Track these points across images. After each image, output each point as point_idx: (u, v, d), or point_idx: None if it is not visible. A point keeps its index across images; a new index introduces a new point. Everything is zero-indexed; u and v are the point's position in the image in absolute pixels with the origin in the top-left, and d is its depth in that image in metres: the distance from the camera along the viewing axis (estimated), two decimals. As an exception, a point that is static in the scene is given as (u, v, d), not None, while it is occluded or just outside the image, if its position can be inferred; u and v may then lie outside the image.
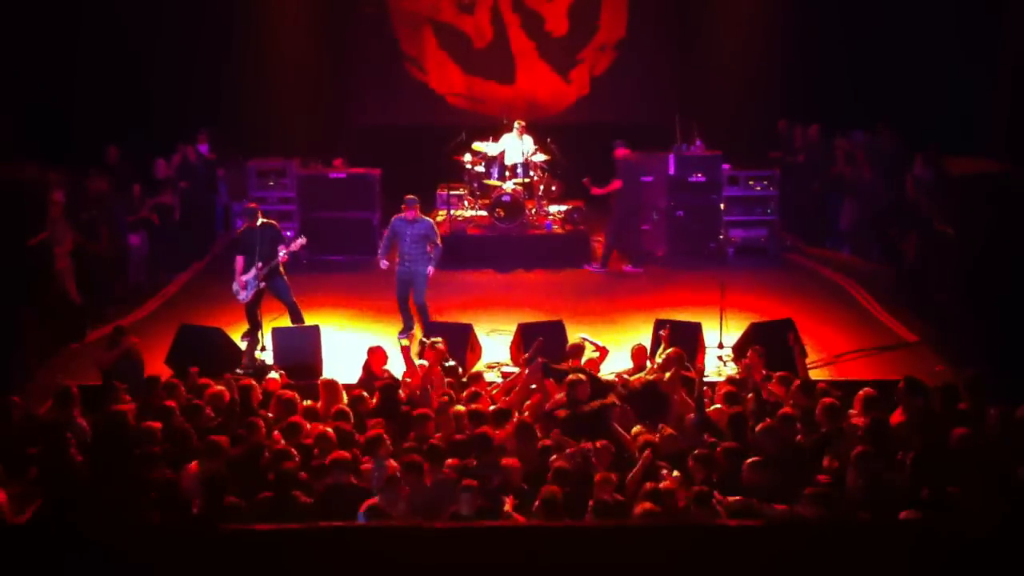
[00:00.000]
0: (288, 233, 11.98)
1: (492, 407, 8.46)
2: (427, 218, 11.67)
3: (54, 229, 11.67)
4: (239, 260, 11.09)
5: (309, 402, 8.64)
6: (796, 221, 15.53)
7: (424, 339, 9.98)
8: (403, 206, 11.46)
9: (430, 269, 11.46)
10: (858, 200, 14.78)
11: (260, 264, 10.97)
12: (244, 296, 11.10)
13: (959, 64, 14.13)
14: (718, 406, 8.35)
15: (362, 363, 9.66)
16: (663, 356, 9.24)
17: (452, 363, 9.67)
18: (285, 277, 11.25)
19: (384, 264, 11.70)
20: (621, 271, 14.06)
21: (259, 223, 11.07)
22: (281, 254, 11.00)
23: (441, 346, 9.55)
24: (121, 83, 15.26)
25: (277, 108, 16.45)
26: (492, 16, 17.83)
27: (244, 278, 11.02)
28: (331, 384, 8.90)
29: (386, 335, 11.46)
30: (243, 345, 11.03)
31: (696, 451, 7.45)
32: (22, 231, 10.85)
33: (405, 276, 11.50)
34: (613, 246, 14.21)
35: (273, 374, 9.46)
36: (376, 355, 9.57)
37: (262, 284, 11.08)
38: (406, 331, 11.46)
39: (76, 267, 12.10)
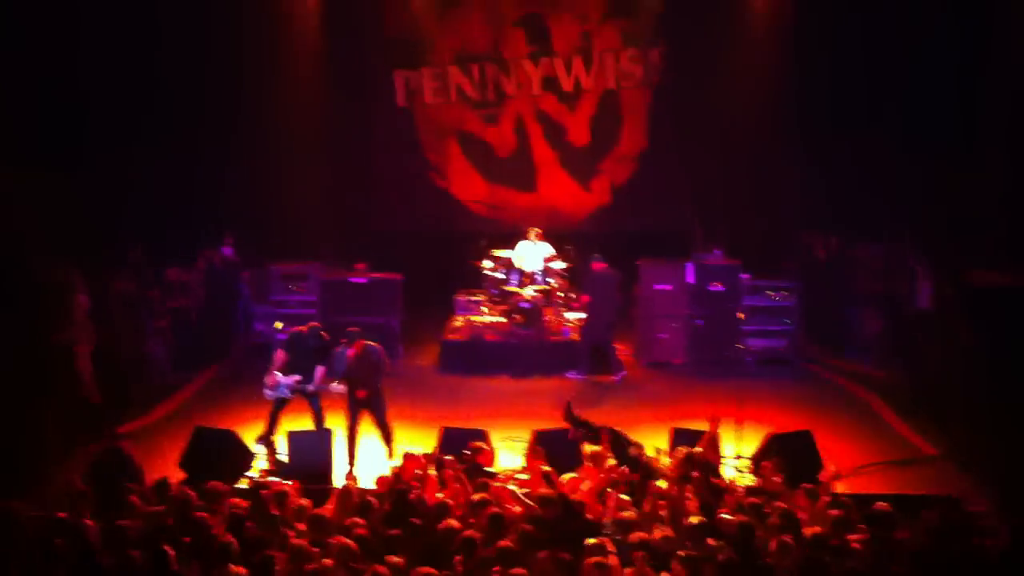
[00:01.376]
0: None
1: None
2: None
3: (77, 329, 11.81)
4: (279, 356, 11.18)
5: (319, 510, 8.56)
6: (817, 331, 15.47)
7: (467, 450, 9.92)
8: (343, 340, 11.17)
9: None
10: (880, 312, 14.75)
11: (300, 378, 11.05)
12: (268, 394, 11.12)
13: (977, 175, 14.21)
14: (727, 516, 8.22)
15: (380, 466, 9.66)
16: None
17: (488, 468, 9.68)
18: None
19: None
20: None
21: (314, 341, 11.17)
22: (310, 385, 11.05)
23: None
24: (150, 182, 15.58)
25: (301, 212, 16.72)
26: (515, 126, 18.20)
27: (279, 378, 11.06)
28: (346, 491, 8.83)
29: (407, 439, 11.39)
30: (257, 448, 11.01)
31: (682, 552, 7.35)
32: (45, 330, 10.97)
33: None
34: (589, 353, 14.29)
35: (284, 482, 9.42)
36: (410, 463, 9.53)
37: (289, 394, 11.12)
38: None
39: (97, 367, 12.19)
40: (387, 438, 11.07)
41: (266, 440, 11.07)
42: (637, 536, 7.71)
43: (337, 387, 11.24)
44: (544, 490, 8.70)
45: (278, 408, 11.20)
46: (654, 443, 10.79)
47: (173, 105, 15.83)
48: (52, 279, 11.34)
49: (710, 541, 7.82)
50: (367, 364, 11.06)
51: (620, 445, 9.78)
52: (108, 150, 15.15)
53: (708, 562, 7.36)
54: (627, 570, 7.34)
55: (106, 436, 10.14)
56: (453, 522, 7.97)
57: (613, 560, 7.37)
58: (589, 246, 15.51)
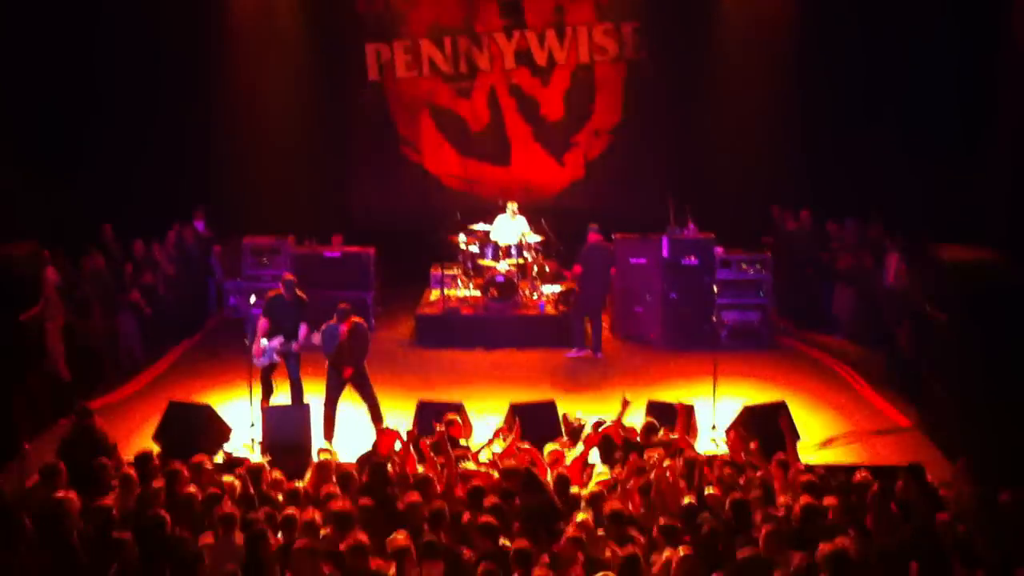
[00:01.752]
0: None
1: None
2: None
3: (47, 305, 11.67)
4: (262, 323, 11.25)
5: (298, 483, 8.55)
6: (789, 305, 15.56)
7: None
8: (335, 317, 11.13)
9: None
10: (852, 287, 14.85)
11: (283, 339, 11.14)
12: (257, 362, 11.22)
13: (954, 154, 14.25)
14: (711, 491, 8.26)
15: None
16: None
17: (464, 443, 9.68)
18: (299, 355, 11.36)
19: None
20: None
21: (291, 298, 11.26)
22: (295, 343, 11.14)
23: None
24: (118, 161, 15.40)
25: (275, 188, 16.58)
26: (488, 100, 18.12)
27: (264, 344, 11.16)
28: (323, 464, 8.79)
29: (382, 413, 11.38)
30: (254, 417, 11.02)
31: (663, 521, 7.41)
32: (14, 307, 10.83)
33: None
34: (581, 325, 14.05)
35: (257, 458, 9.42)
36: (386, 437, 9.51)
37: (277, 358, 11.25)
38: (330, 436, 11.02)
39: (67, 344, 12.07)
40: (376, 415, 11.03)
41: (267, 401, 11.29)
42: (610, 507, 7.73)
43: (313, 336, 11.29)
44: (509, 462, 8.70)
45: (268, 373, 11.32)
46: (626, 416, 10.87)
47: (141, 81, 15.63)
48: (19, 254, 11.15)
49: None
50: (356, 340, 11.02)
51: (609, 447, 9.72)
52: (79, 129, 14.99)
53: (689, 532, 7.40)
54: (602, 543, 7.35)
55: (76, 412, 9.99)
56: (415, 495, 7.95)
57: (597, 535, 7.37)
58: (564, 220, 15.52)
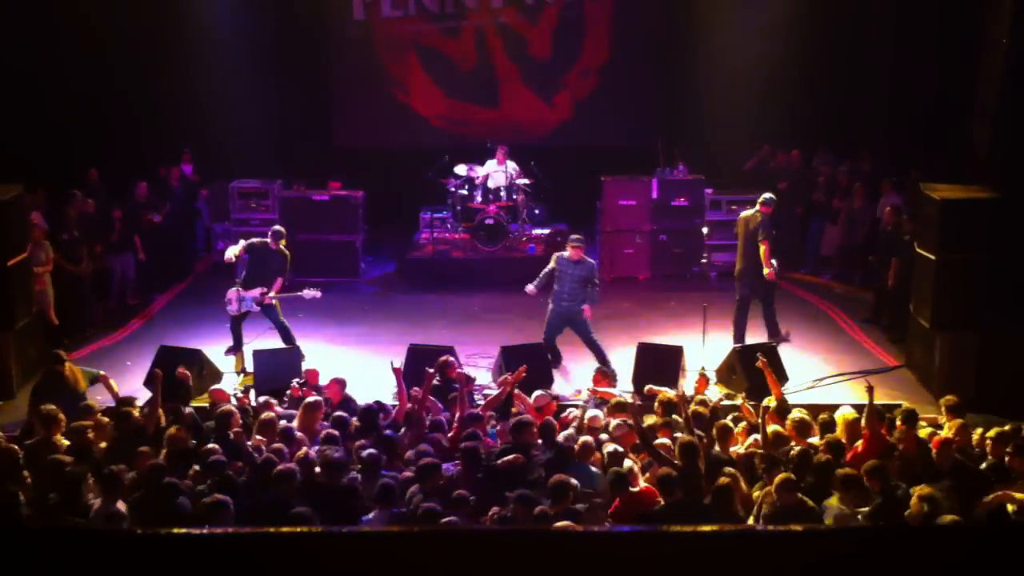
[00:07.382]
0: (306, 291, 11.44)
1: None
2: (590, 260, 11.28)
3: (34, 250, 11.60)
4: (241, 263, 11.37)
5: (287, 423, 8.63)
6: (778, 246, 15.51)
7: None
8: (568, 245, 11.12)
9: (587, 308, 11.06)
10: (841, 226, 14.85)
11: (264, 290, 11.05)
12: (231, 309, 11.15)
13: (939, 90, 14.20)
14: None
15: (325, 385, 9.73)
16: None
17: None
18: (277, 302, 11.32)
19: (532, 291, 11.33)
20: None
21: (276, 247, 11.16)
22: (264, 294, 11.05)
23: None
24: (105, 105, 15.22)
25: (262, 130, 16.37)
26: (476, 40, 17.87)
27: (241, 293, 11.09)
28: (314, 404, 8.85)
29: (366, 358, 11.42)
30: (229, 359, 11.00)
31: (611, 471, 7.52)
32: (1, 252, 10.75)
33: (564, 315, 11.11)
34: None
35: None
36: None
37: (256, 308, 11.17)
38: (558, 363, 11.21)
39: (56, 289, 12.02)
40: (598, 354, 11.11)
41: (236, 352, 11.24)
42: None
43: (310, 292, 11.22)
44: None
45: (238, 323, 11.25)
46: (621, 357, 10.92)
47: (123, 21, 15.39)
48: (4, 199, 11.04)
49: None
50: (578, 276, 11.01)
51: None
52: (63, 69, 14.78)
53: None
54: None
55: (49, 358, 9.99)
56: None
57: None
58: (553, 162, 15.43)
